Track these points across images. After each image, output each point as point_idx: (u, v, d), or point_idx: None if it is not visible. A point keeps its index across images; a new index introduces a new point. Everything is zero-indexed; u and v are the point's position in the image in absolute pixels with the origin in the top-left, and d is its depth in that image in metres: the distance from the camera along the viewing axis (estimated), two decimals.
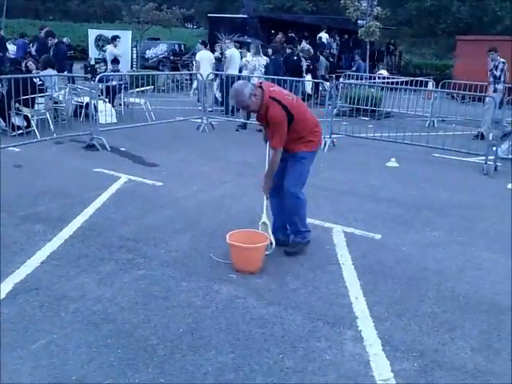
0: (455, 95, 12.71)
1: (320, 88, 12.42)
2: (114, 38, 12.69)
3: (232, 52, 11.51)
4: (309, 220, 4.85)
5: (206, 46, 13.62)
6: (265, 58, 10.82)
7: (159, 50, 22.33)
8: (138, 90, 9.98)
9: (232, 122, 10.24)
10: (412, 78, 14.17)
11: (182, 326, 3.02)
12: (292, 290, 3.54)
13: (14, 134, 7.59)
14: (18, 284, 3.40)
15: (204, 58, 12.41)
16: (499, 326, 3.16)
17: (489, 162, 7.23)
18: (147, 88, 10.38)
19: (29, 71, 8.87)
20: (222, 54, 13.47)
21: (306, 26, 20.55)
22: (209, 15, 22.51)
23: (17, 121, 7.80)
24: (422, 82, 13.73)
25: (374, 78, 14.57)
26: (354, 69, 16.31)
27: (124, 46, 17.34)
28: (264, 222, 4.09)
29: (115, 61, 11.40)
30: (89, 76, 9.41)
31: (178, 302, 3.31)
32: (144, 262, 3.84)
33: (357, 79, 14.08)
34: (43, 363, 2.62)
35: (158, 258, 3.94)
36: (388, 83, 13.61)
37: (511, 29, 24.89)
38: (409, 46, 33.78)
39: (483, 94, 10.09)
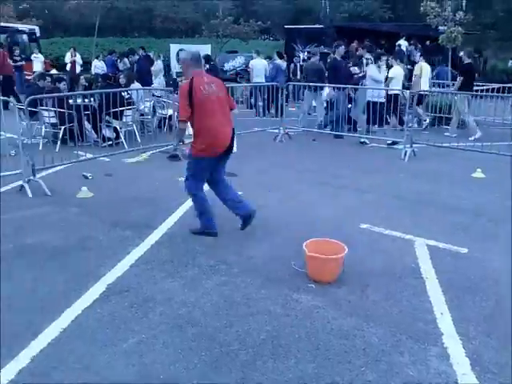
0: None
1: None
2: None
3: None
4: (389, 232, 4.78)
5: (281, 58, 13.83)
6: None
7: (237, 62, 22.88)
8: None
9: (309, 132, 10.25)
10: (499, 85, 13.41)
11: (262, 333, 3.07)
12: (372, 302, 3.48)
13: (105, 144, 8.11)
14: (110, 286, 3.63)
15: (256, 66, 12.83)
16: None
17: None
18: None
19: (120, 86, 9.44)
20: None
21: (384, 33, 20.17)
22: (285, 27, 22.76)
23: (107, 132, 8.32)
24: (510, 88, 12.98)
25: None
26: (433, 74, 15.66)
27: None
28: None
29: None
30: (171, 89, 9.84)
31: (258, 308, 3.37)
32: (225, 269, 3.95)
33: (438, 87, 13.56)
34: (133, 361, 2.78)
35: (239, 264, 4.03)
36: (474, 90, 13.02)
37: None
38: (495, 50, 32.07)
39: None
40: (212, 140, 4.40)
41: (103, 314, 3.24)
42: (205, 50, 18.62)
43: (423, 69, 11.12)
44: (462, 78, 10.27)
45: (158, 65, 14.68)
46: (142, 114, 9.23)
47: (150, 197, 5.76)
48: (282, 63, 13.75)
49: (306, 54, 18.49)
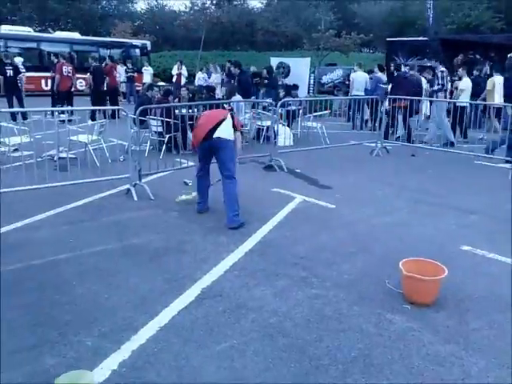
0: None
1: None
2: None
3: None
4: (493, 255, 4.48)
5: (381, 71, 13.53)
6: None
7: (335, 75, 22.74)
8: (314, 114, 10.31)
9: (407, 146, 9.92)
10: None
11: (353, 351, 3.01)
12: (473, 330, 3.27)
13: None
14: (204, 289, 3.76)
15: (357, 78, 12.75)
16: None
17: None
18: (324, 112, 10.65)
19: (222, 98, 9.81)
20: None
21: (495, 45, 18.97)
22: (387, 39, 22.26)
23: None
24: None
25: None
26: None
27: (303, 72, 18.15)
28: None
29: (294, 87, 11.97)
30: (272, 101, 10.04)
31: (349, 325, 3.30)
32: (317, 282, 3.93)
33: None
34: (225, 365, 2.85)
35: (331, 278, 3.99)
36: None
37: None
38: None
39: None
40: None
41: (197, 316, 3.36)
42: (304, 63, 18.77)
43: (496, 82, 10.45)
44: None
45: None
46: (242, 126, 9.48)
47: (246, 206, 5.89)
48: (383, 76, 13.46)
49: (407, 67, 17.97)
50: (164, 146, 8.46)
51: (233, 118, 5.49)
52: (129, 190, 6.19)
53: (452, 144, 10.15)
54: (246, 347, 3.02)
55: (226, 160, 5.24)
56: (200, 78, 17.96)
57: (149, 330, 3.18)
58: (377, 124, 9.96)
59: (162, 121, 8.40)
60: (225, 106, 8.52)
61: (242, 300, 3.60)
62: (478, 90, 11.28)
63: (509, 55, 16.49)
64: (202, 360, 2.89)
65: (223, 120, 5.29)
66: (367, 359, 2.93)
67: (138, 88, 18.83)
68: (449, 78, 11.91)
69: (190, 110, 8.85)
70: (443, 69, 11.42)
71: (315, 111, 10.49)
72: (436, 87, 11.06)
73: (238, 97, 9.71)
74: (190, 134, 8.49)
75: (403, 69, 16.54)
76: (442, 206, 6.10)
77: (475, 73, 12.72)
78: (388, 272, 4.04)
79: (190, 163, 6.84)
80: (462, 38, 22.45)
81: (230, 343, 3.06)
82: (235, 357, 2.92)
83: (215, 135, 5.19)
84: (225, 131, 5.26)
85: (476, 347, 3.07)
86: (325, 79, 22.94)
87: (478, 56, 17.51)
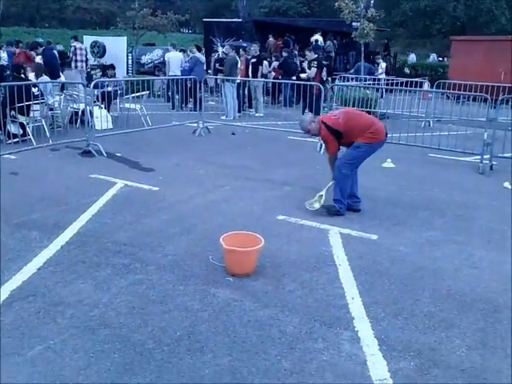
0: (450, 95, 12.75)
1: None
2: None
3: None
4: (305, 222, 4.90)
5: (199, 51, 13.72)
6: None
7: (155, 55, 22.35)
8: (133, 95, 9.99)
9: (228, 125, 10.26)
10: (407, 79, 14.18)
11: (179, 330, 3.02)
12: (288, 292, 3.54)
13: (10, 141, 7.61)
14: (14, 291, 3.39)
15: (172, 59, 12.98)
16: (495, 324, 3.17)
17: (484, 161, 7.26)
18: (143, 93, 10.39)
19: (27, 79, 8.86)
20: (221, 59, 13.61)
21: (302, 28, 20.60)
22: (203, 20, 22.57)
23: (12, 129, 7.80)
24: (417, 82, 13.76)
25: (374, 80, 14.57)
26: (351, 71, 16.21)
27: (119, 52, 17.42)
28: (321, 195, 5.26)
29: (110, 67, 11.42)
30: (85, 82, 9.42)
31: (174, 305, 3.31)
32: (141, 267, 3.84)
33: (356, 81, 14.07)
34: (39, 369, 2.62)
35: (155, 262, 3.94)
36: (386, 84, 13.69)
37: (507, 28, 25.01)
38: (404, 47, 33.91)
39: (477, 93, 10.13)
40: (375, 129, 5.25)
41: (6, 323, 3.02)
42: (120, 42, 18.02)
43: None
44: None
45: None
46: (51, 109, 8.74)
47: (60, 195, 5.48)
48: (201, 56, 13.63)
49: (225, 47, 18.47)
50: None
51: None
52: None
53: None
54: (64, 346, 2.82)
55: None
56: (2, 58, 15.99)
57: None
58: (197, 104, 10.06)
59: None
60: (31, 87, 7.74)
61: (58, 297, 3.34)
62: (288, 69, 12.16)
63: (313, 38, 18.07)
64: (13, 370, 2.61)
65: None
66: (192, 336, 2.97)
67: None
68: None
69: None
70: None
71: (134, 92, 10.16)
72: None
73: (45, 77, 8.88)
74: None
75: (220, 49, 17.01)
76: (259, 180, 6.45)
77: (284, 54, 13.60)
78: (212, 248, 4.14)
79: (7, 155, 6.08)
80: (274, 20, 23.90)
81: (45, 345, 2.82)
82: (52, 358, 2.71)
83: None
84: None
85: (291, 307, 3.33)
86: (144, 59, 22.40)
87: (290, 37, 18.79)
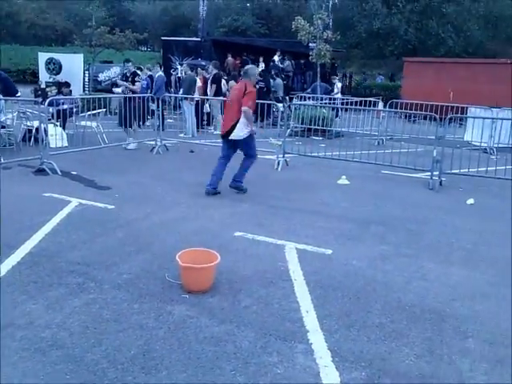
0: (402, 114, 13.25)
1: (274, 109, 12.65)
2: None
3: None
4: (262, 238, 4.96)
5: (160, 68, 13.72)
6: None
7: (112, 72, 22.17)
8: (89, 113, 9.88)
9: (187, 143, 10.28)
10: (362, 99, 14.64)
11: (133, 348, 3.00)
12: (244, 308, 3.57)
13: None
14: None
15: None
16: (441, 333, 3.30)
17: (434, 177, 7.57)
18: (99, 111, 10.28)
19: None
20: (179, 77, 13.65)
21: (260, 48, 20.97)
22: (162, 38, 22.63)
23: None
24: (371, 102, 14.23)
25: (330, 99, 14.94)
26: (309, 90, 16.55)
27: (76, 69, 17.19)
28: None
29: (65, 84, 11.27)
30: (39, 100, 9.25)
31: (129, 324, 3.28)
32: (95, 286, 3.79)
33: (313, 100, 14.41)
34: None
35: (110, 281, 3.89)
36: (342, 104, 14.08)
37: (454, 50, 26.26)
38: (359, 67, 35.01)
39: (428, 112, 10.58)
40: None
41: None
42: (76, 59, 17.80)
43: None
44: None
45: None
46: (3, 126, 8.53)
47: (12, 214, 5.33)
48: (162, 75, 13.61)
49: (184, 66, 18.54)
50: None
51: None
52: None
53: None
54: (14, 369, 2.74)
55: (246, 150, 6.67)
56: None
57: None
58: (156, 122, 10.04)
59: None
60: None
61: (7, 319, 3.25)
62: None
63: (272, 58, 18.40)
64: None
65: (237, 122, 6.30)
66: (147, 354, 2.95)
67: None
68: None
69: None
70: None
71: (90, 110, 10.04)
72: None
73: None
74: None
75: (179, 68, 17.05)
76: (217, 197, 6.49)
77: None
78: (168, 266, 4.13)
79: None
80: (233, 40, 24.21)
81: None
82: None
83: (230, 137, 6.44)
84: (238, 132, 6.35)
85: (247, 322, 3.36)
86: (102, 77, 22.18)
87: (249, 57, 19.08)
